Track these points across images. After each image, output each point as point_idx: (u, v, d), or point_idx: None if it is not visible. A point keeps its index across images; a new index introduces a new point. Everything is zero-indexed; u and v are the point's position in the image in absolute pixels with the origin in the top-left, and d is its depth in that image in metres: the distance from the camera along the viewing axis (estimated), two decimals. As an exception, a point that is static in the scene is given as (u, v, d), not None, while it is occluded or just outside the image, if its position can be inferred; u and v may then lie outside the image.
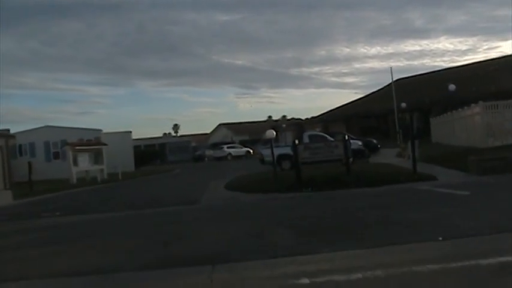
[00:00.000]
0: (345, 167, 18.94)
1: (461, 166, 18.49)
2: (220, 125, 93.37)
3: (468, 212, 10.05)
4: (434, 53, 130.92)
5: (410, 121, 23.94)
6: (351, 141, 30.75)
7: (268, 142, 24.67)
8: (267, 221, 11.16)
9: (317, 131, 40.30)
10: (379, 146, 36.42)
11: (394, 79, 52.21)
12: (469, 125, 25.24)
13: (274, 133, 23.20)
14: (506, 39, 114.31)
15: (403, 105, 46.62)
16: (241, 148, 63.25)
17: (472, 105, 24.45)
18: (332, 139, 26.71)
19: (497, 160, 17.15)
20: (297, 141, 19.94)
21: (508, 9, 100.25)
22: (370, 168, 21.33)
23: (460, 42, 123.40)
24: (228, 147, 62.46)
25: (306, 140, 29.91)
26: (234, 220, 12.13)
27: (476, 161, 17.75)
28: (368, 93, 72.06)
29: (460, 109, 28.19)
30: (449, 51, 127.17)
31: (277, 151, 24.21)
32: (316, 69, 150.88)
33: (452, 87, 34.69)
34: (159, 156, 63.13)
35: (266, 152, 26.46)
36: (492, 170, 16.61)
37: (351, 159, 18.75)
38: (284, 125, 73.24)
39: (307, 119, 78.67)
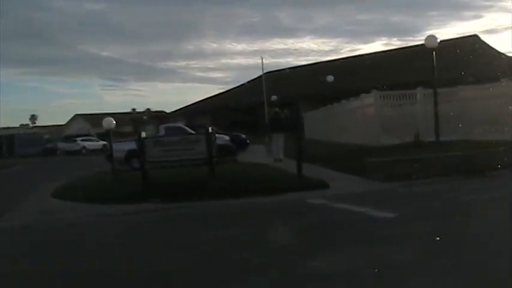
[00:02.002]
0: (209, 169, 14.33)
1: (356, 169, 14.62)
2: (76, 115, 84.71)
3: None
4: (299, 52, 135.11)
5: (275, 114, 19.89)
6: (217, 135, 26.92)
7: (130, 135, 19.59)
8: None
9: (178, 124, 35.19)
10: (248, 141, 32.51)
11: (266, 72, 49.17)
12: (359, 119, 21.71)
13: (114, 122, 17.91)
14: (367, 43, 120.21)
15: (274, 97, 43.80)
16: (98, 141, 56.85)
17: (363, 95, 20.93)
18: (194, 132, 22.03)
19: (405, 163, 13.45)
20: (144, 134, 14.90)
21: (370, 14, 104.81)
22: (240, 170, 16.96)
23: (323, 42, 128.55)
24: (82, 140, 57.32)
25: (162, 133, 25.26)
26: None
27: (378, 163, 13.94)
28: (238, 85, 68.49)
29: (344, 101, 24.77)
30: (313, 51, 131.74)
31: (125, 146, 20.58)
32: (183, 63, 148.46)
33: (330, 78, 32.09)
34: (7, 149, 58.13)
35: (117, 146, 20.85)
36: (397, 175, 12.90)
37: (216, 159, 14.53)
38: (145, 117, 67.73)
39: (172, 112, 73.69)
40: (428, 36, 16.77)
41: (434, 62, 16.56)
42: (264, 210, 10.70)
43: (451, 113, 17.59)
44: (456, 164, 12.99)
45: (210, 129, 15.49)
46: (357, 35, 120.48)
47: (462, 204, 9.50)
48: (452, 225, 7.63)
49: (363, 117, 20.78)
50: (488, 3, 54.40)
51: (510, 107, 15.99)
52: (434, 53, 16.48)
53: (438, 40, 16.85)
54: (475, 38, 41.04)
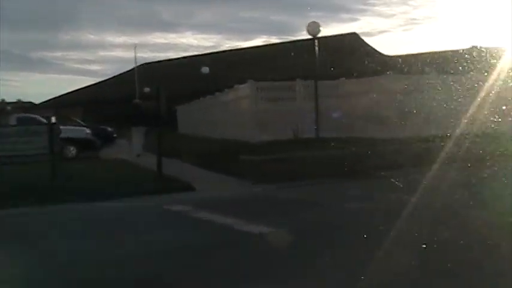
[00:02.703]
0: (50, 167, 11.98)
1: (227, 168, 12.89)
2: None
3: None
4: (179, 47, 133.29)
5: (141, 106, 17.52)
6: (77, 128, 24.15)
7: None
8: None
9: (33, 115, 31.58)
10: (115, 135, 29.95)
11: (141, 64, 46.49)
12: (233, 113, 19.95)
13: None
14: (247, 40, 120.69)
15: (147, 90, 41.46)
16: None
17: (237, 86, 19.23)
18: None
19: (282, 162, 11.89)
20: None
21: (251, 12, 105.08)
22: (95, 168, 14.58)
23: (204, 38, 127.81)
24: None
25: (13, 123, 22.05)
26: None
27: (251, 162, 12.27)
28: (110, 76, 64.68)
29: (218, 93, 22.95)
30: (193, 46, 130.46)
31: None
32: (59, 54, 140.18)
33: (205, 69, 30.40)
34: None
35: None
36: (273, 176, 11.36)
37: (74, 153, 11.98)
38: (9, 108, 61.82)
39: (41, 103, 68.00)
40: (311, 23, 15.43)
41: (317, 51, 15.25)
42: (104, 220, 8.52)
43: (333, 108, 16.43)
44: (336, 163, 11.62)
45: (53, 120, 12.97)
46: (237, 32, 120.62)
47: (346, 214, 7.98)
48: (331, 243, 5.98)
49: (238, 111, 19.06)
50: (364, 7, 56.39)
51: (394, 103, 15.12)
52: (316, 41, 15.16)
53: (320, 28, 15.56)
54: (354, 35, 41.50)
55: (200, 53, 66.26)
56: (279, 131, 16.55)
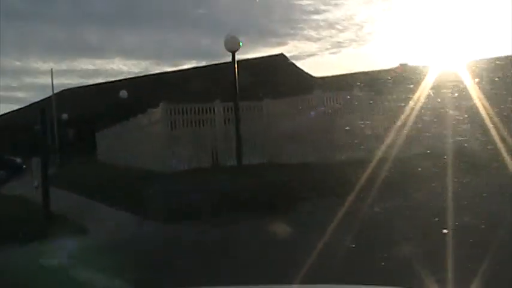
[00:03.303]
0: None
1: (135, 203, 11.10)
2: None
3: None
4: (109, 73, 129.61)
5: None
6: None
7: None
8: None
9: None
10: (24, 166, 27.73)
11: (61, 90, 44.09)
12: (147, 139, 18.03)
13: None
14: (177, 65, 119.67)
15: (65, 116, 39.25)
16: None
17: (151, 110, 17.43)
18: None
19: (196, 194, 10.23)
20: None
21: (180, 36, 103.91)
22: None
23: (133, 64, 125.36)
24: None
25: None
26: None
27: (158, 196, 10.54)
28: (29, 103, 60.92)
29: (133, 118, 21.01)
30: (123, 72, 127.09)
31: None
32: None
33: (124, 93, 28.61)
34: None
35: None
36: (184, 213, 9.69)
37: None
38: None
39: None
40: (228, 38, 13.90)
41: (236, 67, 13.74)
42: None
43: (256, 131, 14.95)
44: (258, 194, 10.09)
45: None
46: (167, 57, 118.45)
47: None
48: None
49: (152, 137, 17.17)
50: (292, 31, 56.25)
51: (323, 123, 13.85)
52: (234, 56, 13.65)
53: (240, 43, 14.08)
54: (281, 56, 40.72)
55: (124, 78, 63.80)
56: (197, 159, 14.86)
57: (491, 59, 21.54)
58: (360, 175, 8.98)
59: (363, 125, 14.54)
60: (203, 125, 15.70)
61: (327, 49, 54.60)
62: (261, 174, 12.22)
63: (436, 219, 7.03)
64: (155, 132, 16.52)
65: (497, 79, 17.68)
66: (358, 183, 8.61)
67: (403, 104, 18.05)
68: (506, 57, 23.56)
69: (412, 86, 19.11)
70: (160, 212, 9.99)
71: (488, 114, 13.79)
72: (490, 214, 7.29)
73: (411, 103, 16.77)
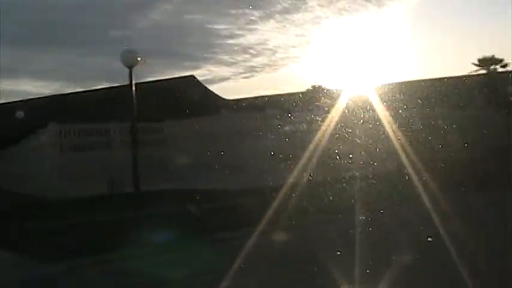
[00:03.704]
0: None
1: (12, 239, 9.61)
2: None
3: None
4: (19, 94, 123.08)
5: None
6: None
7: None
8: None
9: None
10: None
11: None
12: (37, 162, 16.21)
13: None
14: (89, 87, 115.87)
15: None
16: None
17: (41, 130, 15.78)
18: None
19: (81, 228, 8.97)
20: None
21: (93, 58, 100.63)
22: None
23: (43, 86, 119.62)
24: None
25: None
26: None
27: (41, 231, 9.15)
28: None
29: (24, 140, 19.09)
30: (32, 93, 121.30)
31: None
32: None
33: (20, 114, 26.61)
34: None
35: None
36: (69, 250, 8.44)
37: None
38: None
39: None
40: (125, 52, 12.69)
41: (133, 85, 12.54)
42: None
43: (158, 154, 13.77)
44: (153, 226, 8.98)
45: None
46: (78, 79, 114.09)
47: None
48: None
49: (42, 161, 15.48)
50: (206, 55, 55.84)
51: (230, 145, 12.92)
52: (132, 72, 12.46)
53: (139, 59, 12.89)
54: (191, 78, 39.68)
55: (22, 99, 60.12)
56: (90, 184, 13.43)
57: (399, 83, 21.99)
58: (262, 205, 8.12)
59: (270, 147, 13.82)
60: (99, 148, 14.29)
61: (241, 73, 54.53)
62: (161, 202, 11.14)
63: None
64: (45, 155, 14.88)
65: (402, 102, 17.84)
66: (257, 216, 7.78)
67: (313, 126, 17.78)
68: (412, 81, 24.27)
69: (324, 107, 18.99)
70: (40, 248, 8.62)
71: (396, 136, 13.60)
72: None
73: (321, 124, 16.44)
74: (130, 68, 12.58)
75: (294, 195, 9.27)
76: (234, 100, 36.42)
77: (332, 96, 21.07)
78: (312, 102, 20.65)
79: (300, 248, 7.39)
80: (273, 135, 15.46)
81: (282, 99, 23.78)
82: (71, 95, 48.09)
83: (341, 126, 16.11)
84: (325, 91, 22.89)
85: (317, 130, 15.16)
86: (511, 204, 9.65)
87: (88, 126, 14.35)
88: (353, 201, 9.21)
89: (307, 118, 18.22)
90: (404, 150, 11.80)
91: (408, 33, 44.21)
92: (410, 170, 10.47)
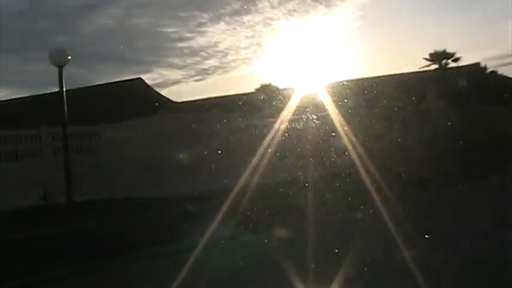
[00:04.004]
0: None
1: None
2: None
3: None
4: None
5: None
6: None
7: None
8: None
9: None
10: None
11: None
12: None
13: None
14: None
15: None
16: None
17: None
18: None
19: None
20: None
21: (38, 65, 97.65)
22: None
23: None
24: None
25: None
26: None
27: None
28: None
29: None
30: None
31: None
32: None
33: None
34: None
35: None
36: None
37: None
38: None
39: None
40: (54, 51, 11.68)
41: (63, 85, 11.53)
42: None
43: (94, 161, 12.74)
44: (83, 243, 8.01)
45: None
46: (24, 87, 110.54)
47: None
48: None
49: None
50: (157, 58, 54.41)
51: (171, 148, 12.02)
52: (62, 72, 11.44)
53: (69, 57, 11.89)
54: (139, 81, 38.48)
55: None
56: (21, 196, 12.29)
57: (350, 80, 21.66)
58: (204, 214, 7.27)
59: (218, 148, 13.01)
60: (28, 155, 13.11)
61: (192, 76, 53.51)
62: (97, 214, 10.15)
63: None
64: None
65: (353, 100, 17.44)
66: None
67: (262, 125, 17.21)
68: (363, 79, 24.00)
69: (275, 107, 18.43)
70: None
71: (346, 134, 13.07)
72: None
73: (270, 124, 15.86)
74: (60, 67, 11.60)
75: (236, 201, 8.46)
76: (183, 102, 35.50)
77: (282, 95, 20.49)
78: (261, 101, 20.03)
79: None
80: (219, 137, 14.73)
81: (231, 100, 23.05)
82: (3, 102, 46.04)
83: (291, 125, 15.52)
84: (275, 90, 22.29)
85: (266, 130, 14.54)
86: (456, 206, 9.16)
87: (12, 133, 13.14)
88: (294, 208, 8.44)
89: (256, 118, 17.54)
90: (354, 149, 11.27)
91: (359, 32, 44.44)
92: (358, 169, 9.87)
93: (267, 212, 8.58)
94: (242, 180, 10.27)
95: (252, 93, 23.94)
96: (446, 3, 46.18)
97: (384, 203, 7.79)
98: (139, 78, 38.31)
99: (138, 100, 29.58)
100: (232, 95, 25.82)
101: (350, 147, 11.69)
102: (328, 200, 8.94)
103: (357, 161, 10.46)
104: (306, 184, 10.33)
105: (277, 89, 22.69)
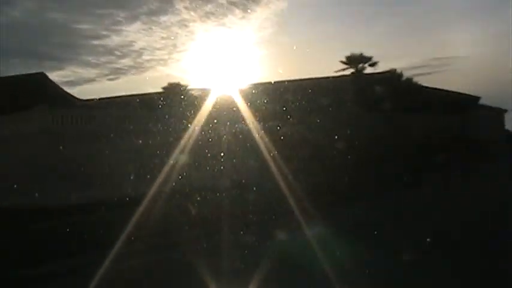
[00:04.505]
0: None
1: None
2: None
3: None
4: None
5: None
6: None
7: None
8: None
9: None
10: None
11: None
12: None
13: None
14: None
15: None
16: None
17: None
18: None
19: None
20: None
21: None
22: None
23: None
24: None
25: None
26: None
27: None
28: None
29: None
30: None
31: None
32: None
33: None
34: None
35: None
36: None
37: None
38: None
39: None
40: None
41: None
42: None
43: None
44: None
45: None
46: None
47: None
48: None
49: None
50: (71, 56, 51.50)
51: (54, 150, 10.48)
52: None
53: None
54: (41, 75, 35.92)
55: None
56: None
57: (263, 83, 20.98)
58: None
59: (107, 151, 11.59)
60: None
61: (106, 75, 51.30)
62: None
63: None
64: None
65: (265, 102, 16.69)
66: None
67: (169, 125, 16.16)
68: (279, 82, 23.31)
69: (182, 106, 17.52)
70: None
71: (260, 136, 12.27)
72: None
73: (178, 124, 14.87)
74: None
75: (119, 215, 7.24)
76: (88, 100, 33.50)
77: (190, 95, 19.58)
78: (172, 101, 18.86)
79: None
80: (119, 137, 13.35)
81: (139, 99, 21.73)
82: None
83: (202, 125, 14.53)
84: (183, 89, 21.27)
85: (173, 130, 13.66)
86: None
87: None
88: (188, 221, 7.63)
89: (163, 118, 16.38)
90: (262, 153, 10.48)
91: (274, 37, 44.43)
92: (263, 178, 9.09)
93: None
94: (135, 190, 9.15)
95: (160, 93, 22.54)
96: (367, 12, 46.92)
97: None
98: (42, 72, 35.78)
99: (35, 95, 27.41)
100: (138, 95, 24.31)
101: (259, 151, 11.02)
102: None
103: (264, 169, 9.72)
104: (199, 198, 9.27)
105: (186, 88, 21.62)
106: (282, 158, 10.61)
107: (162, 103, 18.30)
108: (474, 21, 46.53)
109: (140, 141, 13.41)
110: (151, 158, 11.17)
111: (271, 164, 10.36)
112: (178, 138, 12.46)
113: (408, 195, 11.83)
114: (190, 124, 13.55)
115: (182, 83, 22.40)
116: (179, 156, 11.71)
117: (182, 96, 18.36)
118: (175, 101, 18.11)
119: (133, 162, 11.46)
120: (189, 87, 21.89)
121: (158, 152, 11.48)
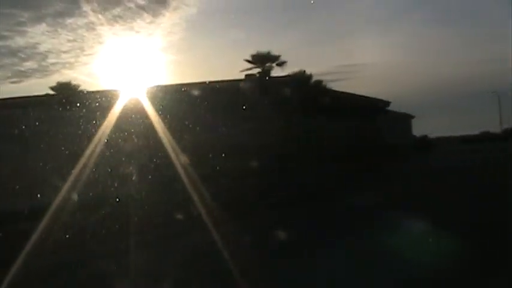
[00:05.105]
0: None
1: None
2: None
3: None
4: None
5: None
6: None
7: None
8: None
9: None
10: None
11: None
12: None
13: None
14: None
15: None
16: None
17: None
18: None
19: None
20: None
21: None
22: None
23: None
24: None
25: None
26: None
27: None
28: None
29: None
30: None
31: None
32: None
33: None
34: None
35: None
36: None
37: None
38: None
39: None
40: None
41: None
42: None
43: None
44: None
45: None
46: None
47: None
48: None
49: None
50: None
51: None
52: None
53: None
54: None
55: None
56: None
57: (169, 85, 20.23)
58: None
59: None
60: None
61: (8, 77, 48.48)
62: None
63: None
64: None
65: (170, 105, 15.91)
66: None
67: (63, 128, 15.14)
68: (184, 84, 22.40)
69: (77, 109, 16.57)
70: None
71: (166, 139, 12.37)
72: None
73: (75, 127, 13.94)
74: None
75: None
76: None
77: (84, 97, 18.71)
78: (64, 102, 17.75)
79: None
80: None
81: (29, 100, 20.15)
82: None
83: (101, 128, 13.79)
84: (75, 90, 19.97)
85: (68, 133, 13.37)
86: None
87: None
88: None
89: (48, 120, 15.38)
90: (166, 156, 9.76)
91: (183, 42, 44.45)
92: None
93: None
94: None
95: (51, 95, 20.86)
96: (280, 19, 47.09)
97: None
98: None
99: None
100: (31, 96, 22.59)
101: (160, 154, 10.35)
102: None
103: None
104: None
105: (79, 89, 20.27)
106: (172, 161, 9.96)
107: (50, 104, 17.29)
108: (383, 28, 47.94)
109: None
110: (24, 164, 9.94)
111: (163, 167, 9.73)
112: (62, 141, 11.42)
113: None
114: (85, 126, 12.82)
115: (74, 83, 20.95)
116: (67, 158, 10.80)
117: (71, 98, 17.33)
118: (66, 102, 17.17)
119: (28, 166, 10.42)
120: (81, 88, 20.55)
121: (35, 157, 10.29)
